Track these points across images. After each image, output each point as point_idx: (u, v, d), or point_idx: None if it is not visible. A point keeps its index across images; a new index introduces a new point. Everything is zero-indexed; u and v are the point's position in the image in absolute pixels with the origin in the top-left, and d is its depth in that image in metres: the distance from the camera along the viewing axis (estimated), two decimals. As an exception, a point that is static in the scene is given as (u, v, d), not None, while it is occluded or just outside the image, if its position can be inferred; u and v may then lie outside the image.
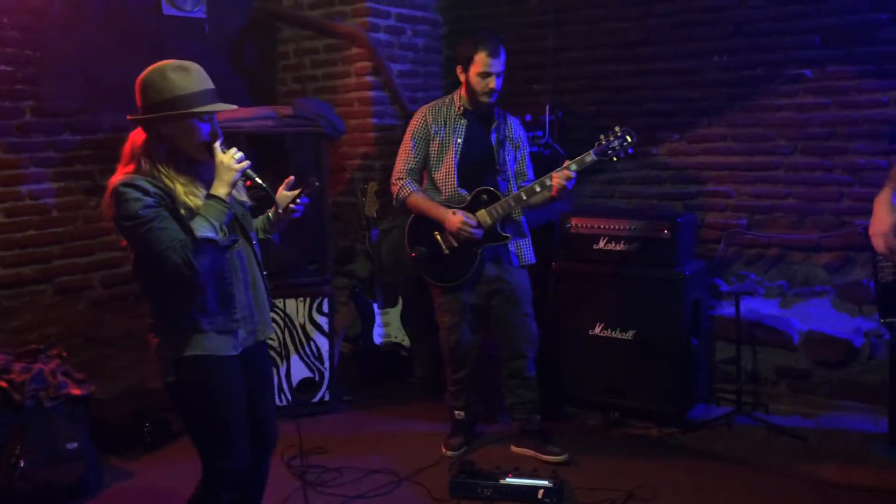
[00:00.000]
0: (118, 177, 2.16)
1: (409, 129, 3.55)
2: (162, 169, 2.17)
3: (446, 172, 3.47)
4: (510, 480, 3.12)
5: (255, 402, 2.42)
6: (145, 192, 2.10)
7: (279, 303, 4.01)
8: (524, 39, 4.71)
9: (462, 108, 3.48)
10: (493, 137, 3.49)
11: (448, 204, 3.45)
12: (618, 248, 3.88)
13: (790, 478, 3.27)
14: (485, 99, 3.40)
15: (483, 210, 3.38)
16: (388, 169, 4.74)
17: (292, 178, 2.49)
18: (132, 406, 3.74)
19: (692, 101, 4.22)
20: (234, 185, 2.22)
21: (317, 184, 2.48)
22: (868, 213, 3.76)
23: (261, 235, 2.49)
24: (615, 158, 3.25)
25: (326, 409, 4.11)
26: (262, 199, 2.48)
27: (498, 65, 3.35)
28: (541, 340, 3.67)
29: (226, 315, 2.26)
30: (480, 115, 3.50)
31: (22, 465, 3.11)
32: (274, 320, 4.02)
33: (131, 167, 2.17)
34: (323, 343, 4.12)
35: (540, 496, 3.07)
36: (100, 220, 4.13)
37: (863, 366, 3.79)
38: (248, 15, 4.88)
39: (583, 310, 3.94)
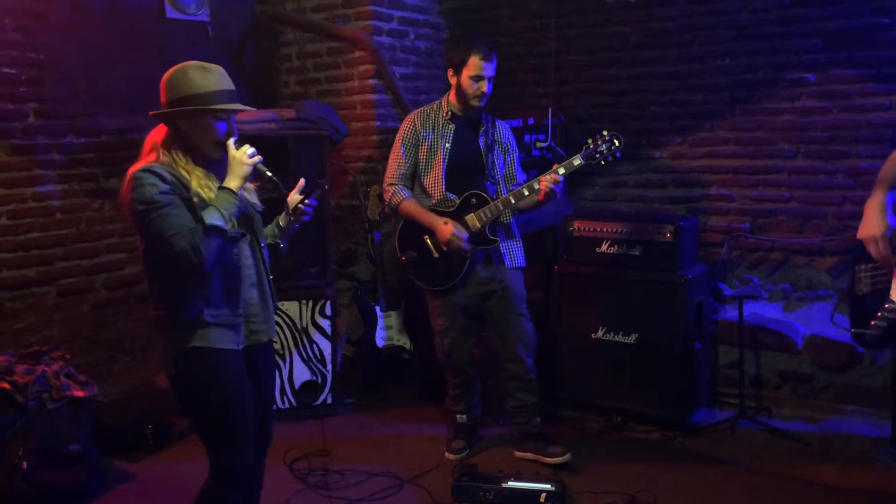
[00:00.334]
0: (138, 166, 2.23)
1: (398, 134, 3.58)
2: (180, 160, 2.24)
3: (435, 177, 3.49)
4: (512, 484, 3.12)
5: (257, 402, 2.41)
6: (162, 179, 2.16)
7: (282, 305, 4.01)
8: (526, 43, 4.72)
9: (450, 112, 3.51)
10: (482, 141, 3.51)
11: (437, 208, 3.47)
12: (620, 251, 3.88)
13: (793, 482, 3.27)
14: (475, 103, 3.42)
15: (472, 214, 3.40)
16: (391, 172, 4.78)
17: (303, 180, 2.52)
18: (134, 408, 3.74)
19: (694, 104, 4.22)
20: (245, 179, 2.28)
21: (326, 186, 2.50)
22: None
23: (269, 240, 2.52)
24: (603, 162, 3.26)
25: (329, 411, 4.11)
26: (273, 203, 2.50)
27: (490, 69, 3.37)
28: (543, 343, 3.67)
29: (229, 309, 2.28)
30: (468, 120, 3.51)
31: (24, 466, 3.11)
32: (277, 322, 4.02)
33: (151, 157, 2.25)
34: (325, 346, 4.12)
35: (542, 500, 3.06)
36: (103, 222, 4.14)
37: (866, 370, 3.78)
38: (250, 18, 4.89)
39: (585, 313, 3.94)
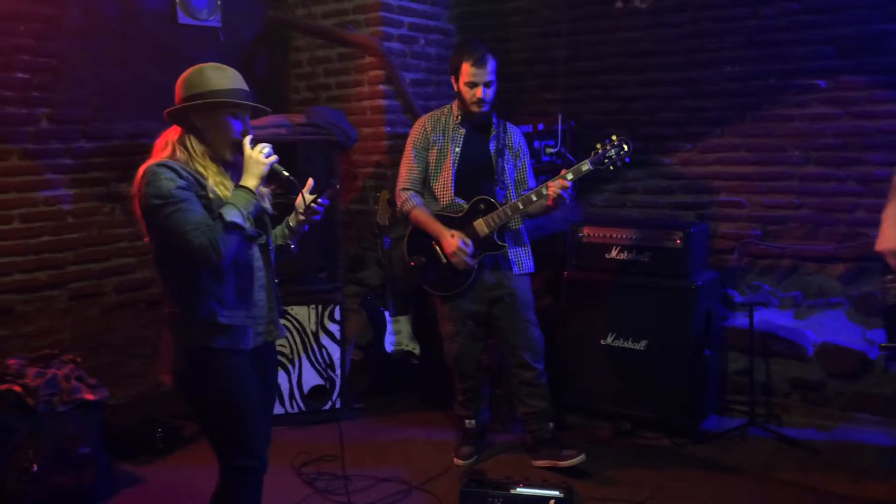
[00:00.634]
0: (149, 161, 2.21)
1: (409, 139, 3.58)
2: (197, 155, 2.24)
3: (444, 182, 3.49)
4: (520, 490, 3.10)
5: (264, 402, 2.42)
6: (178, 175, 2.15)
7: (291, 309, 4.02)
8: (536, 49, 4.72)
9: (460, 116, 3.50)
10: (492, 146, 3.50)
11: (445, 213, 3.46)
12: (629, 257, 3.87)
13: (803, 490, 3.25)
14: (474, 109, 3.41)
15: (480, 219, 3.39)
16: (400, 177, 4.79)
17: (312, 180, 2.49)
18: (144, 411, 3.76)
19: (704, 111, 4.22)
20: (262, 178, 2.27)
21: (337, 185, 2.49)
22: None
23: (279, 241, 2.50)
24: (612, 167, 3.25)
25: (337, 416, 4.10)
26: (283, 208, 2.50)
27: (483, 74, 3.34)
28: (551, 349, 3.66)
29: (242, 310, 2.27)
30: (479, 124, 3.50)
31: (34, 469, 3.12)
32: (286, 327, 4.03)
33: (165, 154, 2.23)
34: (334, 350, 4.13)
35: (550, 506, 3.05)
36: (114, 226, 4.16)
37: (877, 378, 3.76)
38: (262, 24, 4.92)
39: (594, 319, 3.93)
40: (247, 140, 2.28)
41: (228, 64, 2.33)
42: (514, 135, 3.57)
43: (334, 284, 4.17)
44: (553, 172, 4.02)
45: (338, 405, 4.13)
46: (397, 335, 4.47)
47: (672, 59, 4.28)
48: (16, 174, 3.77)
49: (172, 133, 2.28)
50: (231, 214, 2.16)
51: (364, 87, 4.74)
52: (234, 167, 2.32)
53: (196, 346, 2.23)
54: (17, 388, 3.23)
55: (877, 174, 3.79)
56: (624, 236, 3.89)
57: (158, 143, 2.29)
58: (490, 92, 3.39)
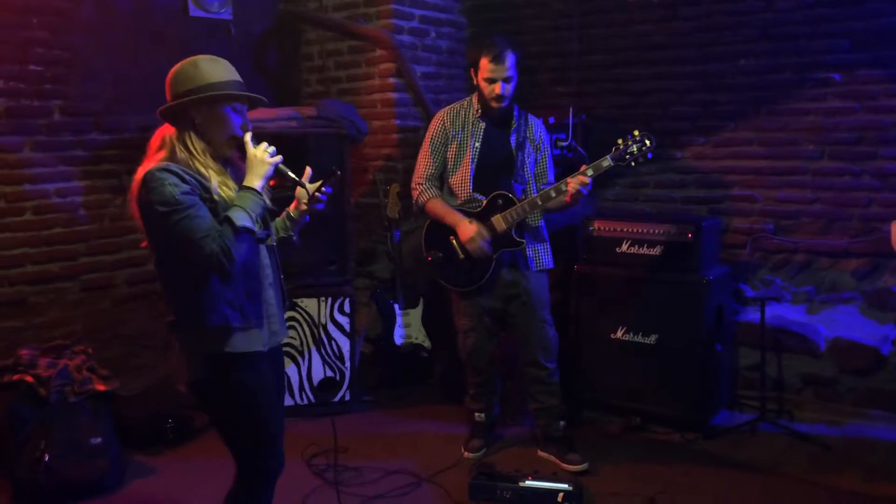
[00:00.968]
0: (149, 164, 2.12)
1: (428, 132, 3.55)
2: (198, 155, 2.15)
3: (462, 176, 3.45)
4: (529, 483, 3.10)
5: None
6: (182, 180, 2.07)
7: (301, 302, 4.03)
8: (548, 42, 4.70)
9: (480, 110, 3.45)
10: (513, 140, 3.46)
11: (463, 208, 3.43)
12: (641, 251, 3.86)
13: (813, 487, 3.23)
14: (493, 104, 3.36)
15: (498, 215, 3.34)
16: (411, 170, 4.73)
17: (310, 169, 2.40)
18: (155, 403, 3.77)
19: (718, 104, 4.19)
20: (268, 178, 2.20)
21: (338, 172, 2.42)
22: (897, 218, 3.74)
23: (281, 234, 2.44)
24: (633, 164, 3.19)
25: (347, 408, 4.12)
26: (283, 202, 2.45)
27: (502, 70, 3.27)
28: (562, 344, 3.65)
29: (254, 311, 2.23)
30: (499, 117, 3.45)
31: (46, 459, 3.15)
32: (296, 319, 4.05)
33: (161, 154, 2.15)
34: (344, 343, 4.13)
35: (559, 500, 3.05)
36: (126, 218, 4.16)
37: (890, 374, 3.73)
38: (273, 17, 4.92)
39: (605, 313, 3.91)
40: (248, 137, 2.21)
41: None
42: (536, 127, 3.51)
43: (344, 277, 4.18)
44: (563, 165, 4.01)
45: (347, 397, 4.14)
46: (407, 328, 4.47)
47: (686, 52, 4.25)
48: (28, 166, 3.79)
49: (168, 131, 2.19)
50: (241, 219, 2.09)
51: (375, 81, 4.73)
52: (231, 164, 2.25)
53: (212, 353, 2.17)
54: (30, 379, 3.25)
55: (892, 168, 3.75)
56: (635, 230, 3.87)
57: (154, 142, 2.20)
58: (510, 87, 3.33)
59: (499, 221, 3.34)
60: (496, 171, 3.43)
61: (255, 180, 2.17)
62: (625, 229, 3.90)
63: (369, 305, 4.61)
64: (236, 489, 2.32)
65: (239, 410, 2.23)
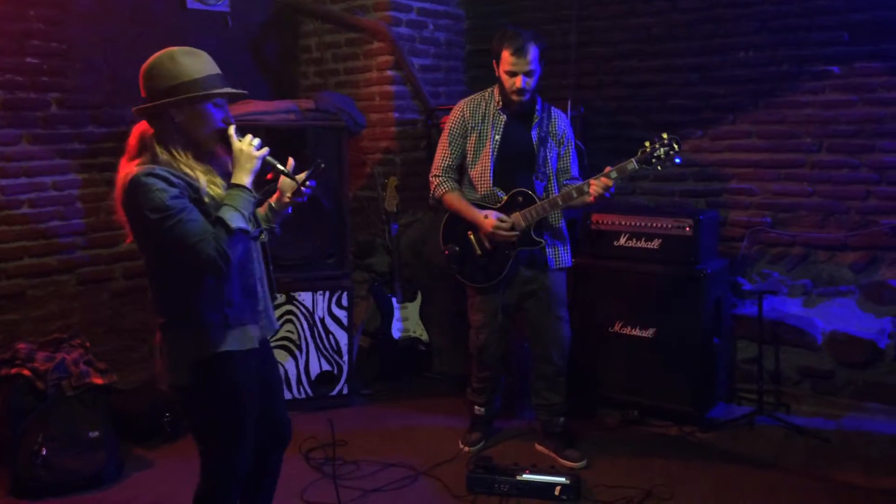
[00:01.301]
0: (131, 169, 2.05)
1: (447, 123, 3.47)
2: (180, 157, 2.08)
3: (482, 169, 3.38)
4: (527, 476, 3.11)
5: (272, 399, 2.37)
6: (169, 183, 2.01)
7: (298, 296, 4.03)
8: (546, 34, 4.60)
9: (501, 102, 3.37)
10: (534, 134, 3.36)
11: (482, 203, 3.37)
12: (639, 244, 3.85)
13: (811, 479, 3.23)
14: (514, 98, 3.28)
15: (517, 213, 3.27)
16: (409, 163, 4.79)
17: (292, 160, 2.29)
18: (152, 396, 3.76)
19: (716, 97, 4.18)
20: (255, 173, 2.14)
21: (322, 165, 2.36)
22: (895, 212, 3.74)
23: (264, 225, 2.37)
24: (659, 167, 3.10)
25: (345, 402, 4.12)
26: (267, 193, 2.41)
27: (524, 64, 3.19)
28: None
29: (251, 306, 2.21)
30: (521, 110, 3.36)
31: (44, 452, 3.15)
32: (293, 313, 4.05)
33: (142, 159, 2.08)
34: (342, 337, 4.13)
35: (557, 493, 3.06)
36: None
37: (888, 367, 3.73)
38: (270, 9, 4.90)
39: (603, 307, 3.91)
40: (232, 130, 2.14)
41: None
42: (559, 120, 3.42)
43: (342, 271, 4.17)
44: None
45: (345, 391, 4.15)
46: (405, 321, 4.48)
47: (684, 45, 4.23)
48: (25, 159, 3.78)
49: (146, 130, 2.11)
50: (235, 220, 2.04)
51: (373, 73, 4.72)
52: (215, 159, 2.19)
53: (204, 354, 2.12)
54: (27, 373, 3.25)
55: (890, 161, 3.74)
56: (634, 224, 3.87)
57: (132, 141, 2.12)
58: (531, 81, 3.24)
59: (518, 219, 3.27)
60: (516, 165, 3.36)
61: (244, 176, 2.11)
62: (623, 222, 3.90)
63: (367, 299, 4.61)
64: (199, 489, 2.27)
65: (218, 411, 2.19)
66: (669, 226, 3.77)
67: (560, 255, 3.43)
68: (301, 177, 2.29)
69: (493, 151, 3.36)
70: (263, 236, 2.31)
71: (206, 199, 2.08)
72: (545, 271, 3.40)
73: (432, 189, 3.47)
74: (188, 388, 2.16)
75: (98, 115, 4.04)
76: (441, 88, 4.89)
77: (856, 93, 3.81)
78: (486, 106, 3.41)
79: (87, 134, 4.01)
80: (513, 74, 3.23)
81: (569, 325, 3.49)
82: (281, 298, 3.97)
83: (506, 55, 3.22)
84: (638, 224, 3.85)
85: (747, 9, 4.03)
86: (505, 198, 3.34)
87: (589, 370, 3.97)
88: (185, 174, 2.08)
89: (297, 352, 4.07)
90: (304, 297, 4.05)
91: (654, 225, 3.81)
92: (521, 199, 3.30)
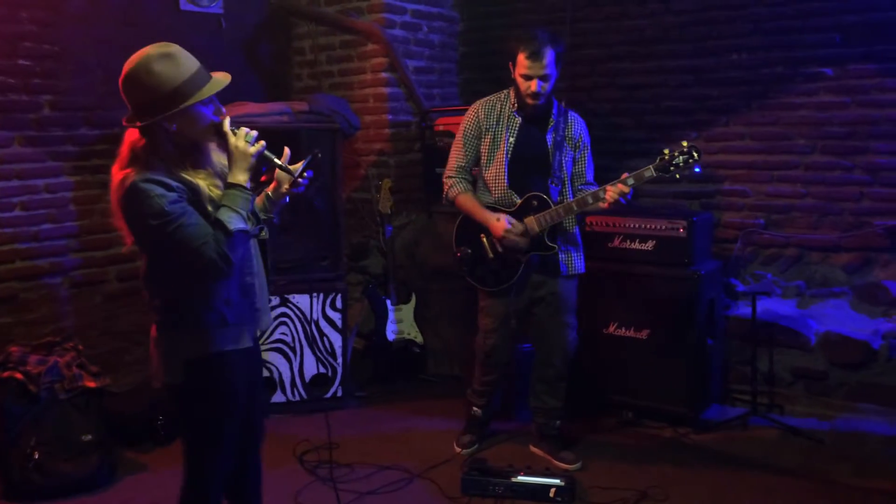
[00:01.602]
0: (128, 175, 2.03)
1: (461, 124, 3.44)
2: (176, 166, 2.07)
3: (496, 172, 3.34)
4: (522, 479, 3.11)
5: (253, 394, 2.36)
6: (167, 188, 2.00)
7: (293, 298, 4.02)
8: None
9: (516, 104, 3.33)
10: (550, 138, 3.32)
11: (497, 206, 3.34)
12: (633, 246, 3.86)
13: (805, 480, 3.24)
14: (529, 101, 3.23)
15: (532, 217, 3.24)
16: (403, 165, 4.79)
17: (288, 151, 2.28)
18: (145, 399, 3.75)
19: (710, 99, 4.19)
20: (252, 170, 2.12)
21: (319, 155, 2.32)
22: (888, 213, 3.75)
23: (262, 216, 2.35)
24: (678, 176, 3.05)
25: (339, 404, 4.11)
26: (263, 184, 2.39)
27: (539, 68, 3.14)
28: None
29: (248, 303, 2.21)
30: (536, 113, 3.31)
31: (36, 456, 3.14)
32: (287, 315, 4.04)
33: (135, 168, 2.04)
34: (336, 339, 4.12)
35: (552, 495, 3.06)
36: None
37: (881, 368, 3.74)
38: (264, 10, 4.89)
39: (597, 308, 3.91)
40: (227, 124, 2.10)
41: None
42: (576, 124, 3.38)
43: (336, 273, 4.17)
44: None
45: (339, 393, 4.14)
46: (399, 323, 4.47)
47: (678, 46, 4.24)
48: (18, 161, 3.77)
49: (137, 142, 2.07)
50: (233, 222, 2.04)
51: (367, 75, 4.72)
52: (210, 159, 2.17)
53: (199, 353, 2.13)
54: (19, 376, 3.24)
55: (883, 163, 3.76)
56: (627, 225, 3.87)
57: (123, 151, 2.09)
58: (547, 85, 3.20)
59: (532, 223, 3.25)
60: (531, 168, 3.31)
61: (240, 174, 2.10)
62: (617, 224, 3.90)
63: (361, 301, 4.61)
64: (184, 490, 2.26)
65: (209, 410, 2.19)
66: (663, 227, 3.77)
67: (573, 262, 3.40)
68: (297, 167, 2.27)
69: (507, 154, 3.33)
70: (264, 233, 2.30)
71: (210, 208, 2.07)
72: (556, 277, 3.37)
73: (445, 190, 3.45)
74: (181, 386, 2.16)
75: (91, 118, 4.02)
76: (435, 90, 4.90)
77: (849, 94, 3.82)
78: (501, 108, 3.37)
79: (80, 136, 4.00)
80: (528, 78, 3.19)
81: (576, 331, 3.46)
82: (275, 301, 3.97)
83: (521, 58, 3.17)
84: (632, 226, 3.86)
85: (741, 11, 4.04)
86: (519, 201, 3.31)
87: (584, 372, 3.96)
88: (186, 180, 2.07)
89: (291, 354, 4.06)
90: (299, 299, 4.04)
91: (648, 226, 3.81)
92: (535, 202, 3.27)
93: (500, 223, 3.24)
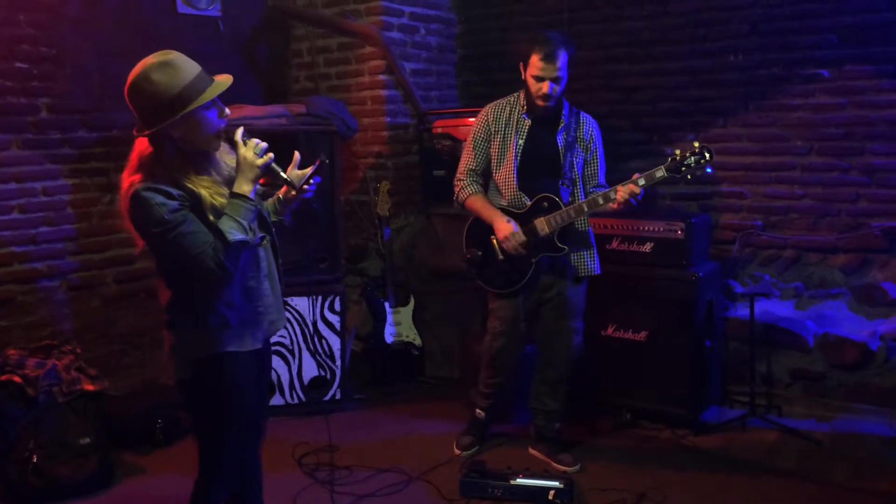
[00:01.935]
0: (134, 182, 2.07)
1: (472, 128, 3.45)
2: (180, 174, 2.10)
3: (506, 174, 3.33)
4: (521, 481, 3.11)
5: (263, 395, 2.43)
6: (168, 196, 2.05)
7: (291, 300, 4.02)
8: (538, 38, 4.68)
9: (526, 106, 3.32)
10: (560, 139, 3.31)
11: (508, 208, 3.33)
12: (631, 248, 3.86)
13: (803, 481, 3.24)
14: (539, 103, 3.23)
15: (542, 218, 3.23)
16: (401, 167, 4.79)
17: (298, 154, 2.36)
18: (144, 402, 3.75)
19: (707, 100, 4.19)
20: (257, 180, 2.16)
21: (326, 160, 2.40)
22: (886, 214, 3.76)
23: (273, 217, 2.42)
24: (689, 177, 3.04)
25: (337, 407, 4.11)
26: (274, 186, 2.44)
27: (552, 70, 3.14)
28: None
29: (252, 306, 2.24)
30: (546, 115, 3.30)
31: (35, 459, 3.13)
32: (286, 318, 4.03)
33: (142, 175, 2.08)
34: (334, 341, 4.12)
35: (550, 497, 3.06)
36: (114, 216, 4.15)
37: (879, 369, 3.75)
38: (262, 13, 4.89)
39: (595, 310, 3.89)
40: (239, 134, 2.15)
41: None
42: (587, 125, 3.36)
43: (335, 275, 4.16)
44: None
45: (338, 396, 4.13)
46: (397, 326, 4.47)
47: (675, 48, 4.25)
48: (15, 164, 3.76)
49: (145, 151, 2.11)
50: (232, 232, 2.08)
51: (364, 77, 4.72)
52: (216, 164, 2.20)
53: (204, 354, 2.18)
54: (18, 379, 3.24)
55: (880, 164, 3.77)
56: (625, 227, 3.88)
57: (133, 158, 2.13)
58: (558, 88, 3.19)
59: (542, 224, 3.23)
60: (541, 170, 3.30)
61: (245, 185, 2.14)
62: (615, 226, 3.91)
63: (360, 303, 4.61)
64: (197, 484, 2.33)
65: (218, 410, 2.24)
66: (661, 229, 3.78)
67: (585, 263, 3.38)
68: (305, 173, 2.31)
69: (516, 156, 3.32)
70: (266, 242, 2.32)
71: (211, 217, 2.10)
72: (565, 279, 3.35)
73: (456, 192, 3.45)
74: (190, 382, 2.22)
75: (88, 120, 4.02)
76: (433, 93, 4.90)
77: (846, 96, 3.83)
78: (510, 110, 3.37)
79: (78, 139, 3.99)
80: (540, 80, 3.18)
81: (581, 336, 3.46)
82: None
83: (535, 59, 3.17)
84: (630, 228, 3.86)
85: (737, 12, 4.05)
86: (530, 203, 3.30)
87: (582, 374, 3.96)
88: (188, 188, 2.10)
89: (289, 356, 4.06)
90: (297, 301, 4.04)
91: (646, 228, 3.82)
92: (546, 204, 3.26)
93: (508, 225, 3.24)
